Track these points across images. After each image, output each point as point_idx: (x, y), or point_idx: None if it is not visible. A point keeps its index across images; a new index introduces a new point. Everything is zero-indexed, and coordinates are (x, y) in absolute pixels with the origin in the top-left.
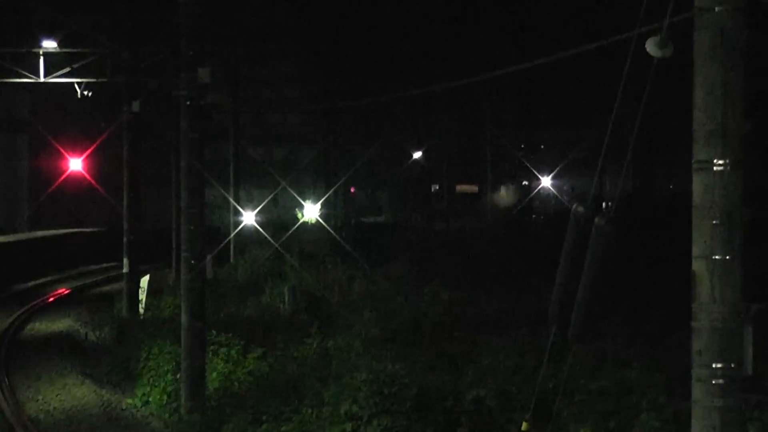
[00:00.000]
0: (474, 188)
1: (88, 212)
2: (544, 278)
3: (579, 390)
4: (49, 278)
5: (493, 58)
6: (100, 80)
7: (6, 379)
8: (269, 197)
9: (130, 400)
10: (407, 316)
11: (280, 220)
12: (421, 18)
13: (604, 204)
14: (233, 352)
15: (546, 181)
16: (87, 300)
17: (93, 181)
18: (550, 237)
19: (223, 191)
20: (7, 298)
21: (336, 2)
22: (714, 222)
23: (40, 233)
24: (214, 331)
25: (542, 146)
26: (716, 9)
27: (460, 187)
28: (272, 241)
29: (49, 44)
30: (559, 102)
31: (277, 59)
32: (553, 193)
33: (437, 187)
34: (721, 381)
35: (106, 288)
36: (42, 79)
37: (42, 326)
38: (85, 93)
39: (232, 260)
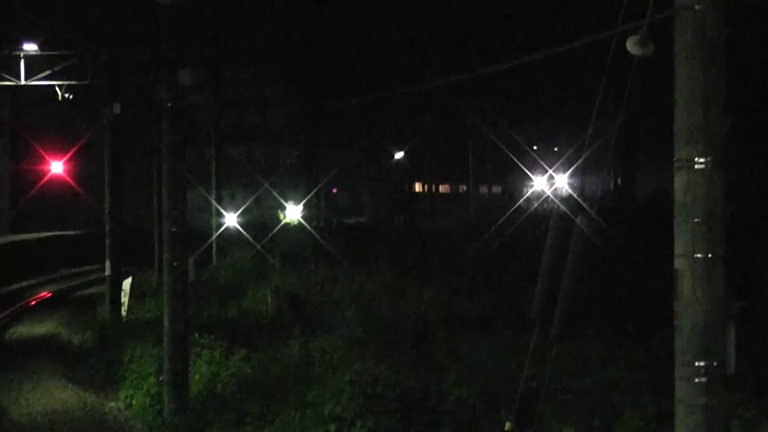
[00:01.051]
0: (463, 187)
1: (70, 215)
2: (527, 278)
3: (562, 389)
4: (31, 281)
5: (475, 57)
6: (81, 82)
7: None
8: (251, 199)
9: (113, 403)
10: (390, 317)
11: (262, 221)
12: (404, 18)
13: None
14: (216, 354)
15: (561, 180)
16: (69, 303)
17: (74, 184)
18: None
19: (205, 193)
20: None
21: (317, 3)
22: (696, 220)
23: (20, 236)
24: (197, 333)
25: (534, 147)
26: (696, 7)
27: (443, 188)
28: (254, 242)
29: (30, 47)
30: (544, 102)
31: (259, 60)
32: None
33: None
34: (704, 379)
35: (89, 291)
36: (23, 82)
37: (24, 330)
38: (66, 95)
39: (214, 262)
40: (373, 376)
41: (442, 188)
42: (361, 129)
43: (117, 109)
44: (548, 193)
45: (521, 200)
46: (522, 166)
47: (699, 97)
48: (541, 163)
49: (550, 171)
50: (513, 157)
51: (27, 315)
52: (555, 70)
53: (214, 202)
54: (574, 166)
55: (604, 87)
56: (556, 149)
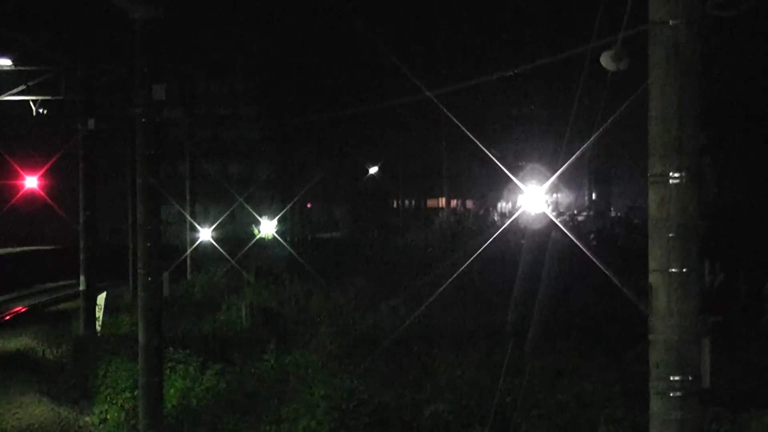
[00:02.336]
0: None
1: (45, 230)
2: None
3: (537, 404)
4: (4, 297)
5: (449, 71)
6: (55, 98)
7: None
8: (226, 213)
9: (87, 418)
10: (364, 332)
11: (236, 236)
12: (380, 31)
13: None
14: (191, 368)
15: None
16: (44, 318)
17: (49, 199)
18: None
19: (179, 207)
20: None
21: (293, 19)
22: (670, 235)
23: None
24: (171, 348)
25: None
26: (670, 23)
27: (430, 202)
28: (228, 257)
29: (4, 62)
30: (518, 116)
31: (234, 76)
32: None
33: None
34: (678, 393)
35: (63, 306)
36: None
37: None
38: (41, 111)
39: (188, 277)
40: (348, 391)
41: (430, 203)
42: (336, 144)
43: (91, 124)
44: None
45: (490, 215)
46: (490, 181)
47: (673, 112)
48: (512, 177)
49: (520, 185)
50: (480, 172)
51: (1, 330)
52: (529, 85)
53: (188, 217)
54: (549, 181)
55: (578, 101)
56: (521, 164)
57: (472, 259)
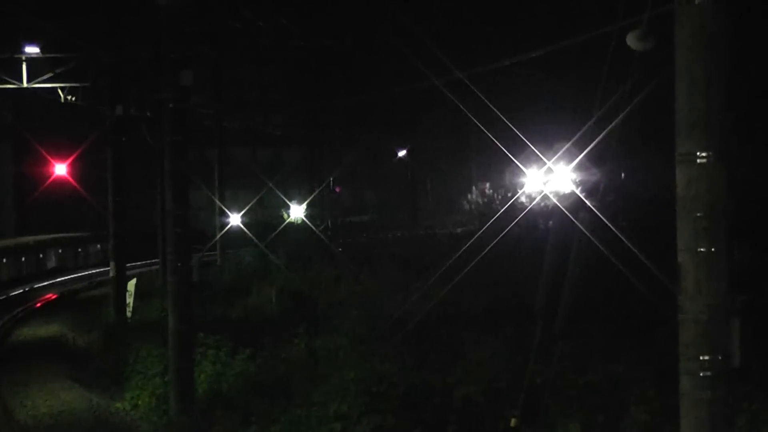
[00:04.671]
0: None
1: (74, 217)
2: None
3: (567, 385)
4: (36, 284)
5: (476, 53)
6: (83, 85)
7: None
8: (255, 198)
9: (119, 404)
10: (394, 315)
11: (266, 221)
12: (407, 14)
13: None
14: (221, 353)
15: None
16: (74, 305)
17: (78, 186)
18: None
19: (208, 192)
20: None
21: (320, 2)
22: (698, 214)
23: (25, 238)
24: (201, 333)
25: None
26: (697, 1)
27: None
28: (258, 242)
29: (32, 50)
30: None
31: (262, 59)
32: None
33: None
34: (708, 373)
35: (94, 292)
36: (25, 85)
37: (30, 332)
38: (69, 98)
39: (218, 262)
40: (378, 374)
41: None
42: (365, 127)
43: (119, 111)
44: (545, 190)
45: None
46: (517, 162)
47: (700, 91)
48: (541, 156)
49: (549, 164)
50: (506, 152)
51: (32, 317)
52: (556, 66)
53: (217, 202)
54: (577, 160)
55: (604, 81)
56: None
57: (497, 239)
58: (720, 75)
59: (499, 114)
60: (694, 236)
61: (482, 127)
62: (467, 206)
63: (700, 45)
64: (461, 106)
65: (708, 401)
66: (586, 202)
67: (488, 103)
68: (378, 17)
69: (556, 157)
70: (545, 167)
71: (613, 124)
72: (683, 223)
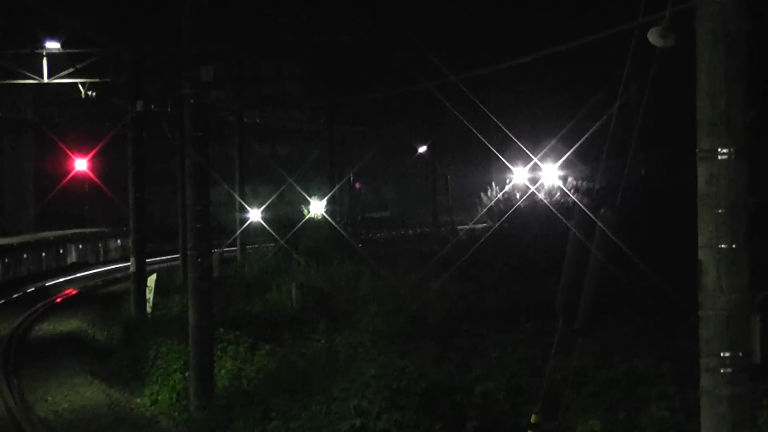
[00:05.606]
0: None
1: (94, 212)
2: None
3: (587, 381)
4: (56, 279)
5: (496, 48)
6: (103, 80)
7: (15, 380)
8: (275, 194)
9: (138, 400)
10: (414, 311)
11: (286, 216)
12: (426, 10)
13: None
14: (241, 349)
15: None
16: (94, 300)
17: (98, 181)
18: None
19: (228, 188)
20: (14, 300)
21: None
22: (719, 211)
23: (45, 234)
24: (222, 329)
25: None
26: None
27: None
28: (278, 238)
29: (52, 45)
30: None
31: (281, 56)
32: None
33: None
34: (729, 370)
35: (113, 288)
36: (46, 80)
37: (50, 327)
38: (89, 93)
39: (238, 257)
40: (398, 370)
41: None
42: (384, 123)
43: (139, 106)
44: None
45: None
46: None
47: (721, 88)
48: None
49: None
50: (525, 149)
51: (53, 312)
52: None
53: (237, 198)
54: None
55: (626, 76)
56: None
57: (496, 225)
58: (741, 72)
59: (509, 117)
60: (715, 233)
61: (501, 125)
62: (486, 202)
63: (721, 43)
64: (482, 106)
65: (728, 398)
66: (579, 202)
67: (484, 109)
68: (396, 14)
69: (570, 151)
70: (559, 162)
71: (604, 122)
72: (704, 220)
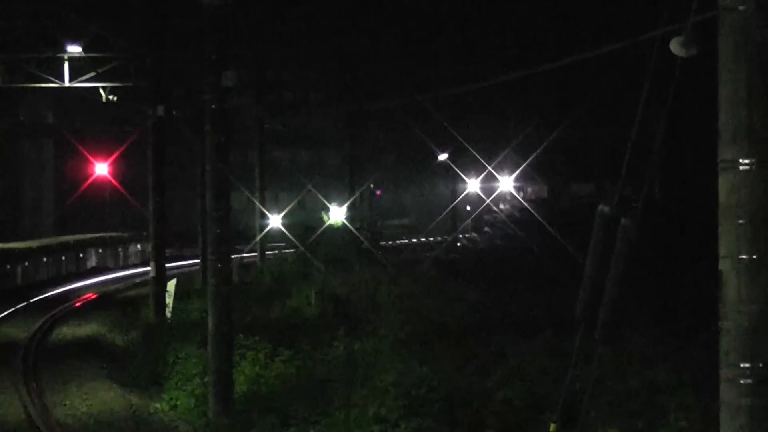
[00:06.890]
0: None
1: (114, 216)
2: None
3: (607, 391)
4: (76, 283)
5: (518, 57)
6: (124, 84)
7: (34, 384)
8: (295, 200)
9: (157, 404)
10: (433, 319)
11: (306, 223)
12: (448, 17)
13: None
14: (260, 355)
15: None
16: (114, 304)
17: (119, 186)
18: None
19: (249, 194)
20: (34, 304)
21: (360, 4)
22: (740, 221)
23: (65, 238)
24: (241, 335)
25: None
26: (740, 8)
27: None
28: (298, 244)
29: (74, 49)
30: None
31: (302, 62)
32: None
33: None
34: (749, 381)
35: (133, 292)
36: (67, 84)
37: (69, 331)
38: (110, 97)
39: (258, 263)
40: (417, 378)
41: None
42: (405, 130)
43: (160, 111)
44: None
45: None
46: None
47: (742, 98)
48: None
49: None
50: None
51: (72, 316)
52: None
53: (258, 204)
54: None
55: (648, 88)
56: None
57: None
58: (764, 81)
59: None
60: (736, 243)
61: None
62: (504, 209)
63: (743, 51)
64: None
65: (748, 409)
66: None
67: (451, 129)
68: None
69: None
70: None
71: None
72: (725, 230)
